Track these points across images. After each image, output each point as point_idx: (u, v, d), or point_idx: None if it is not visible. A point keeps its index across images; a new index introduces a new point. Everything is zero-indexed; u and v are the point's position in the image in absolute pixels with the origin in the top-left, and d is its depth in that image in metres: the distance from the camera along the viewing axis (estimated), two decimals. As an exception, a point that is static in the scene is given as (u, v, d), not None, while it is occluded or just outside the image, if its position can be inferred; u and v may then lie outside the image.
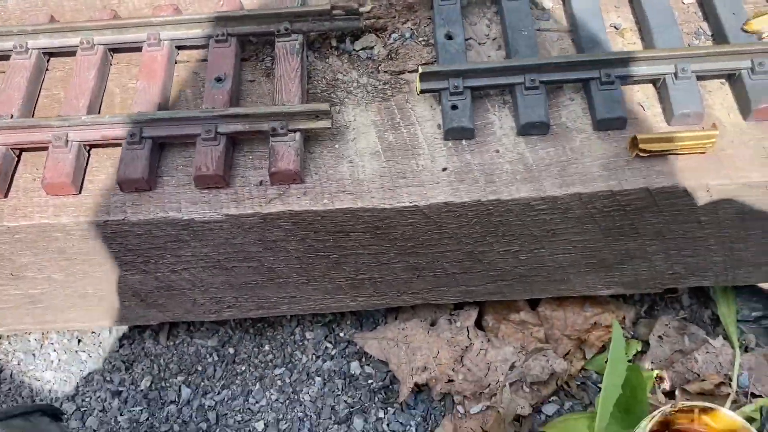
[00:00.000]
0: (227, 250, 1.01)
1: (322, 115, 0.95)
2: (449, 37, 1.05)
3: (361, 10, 1.09)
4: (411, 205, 0.94)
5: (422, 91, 0.99)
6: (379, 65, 1.07)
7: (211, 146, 0.94)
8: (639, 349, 1.20)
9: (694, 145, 0.91)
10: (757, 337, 1.21)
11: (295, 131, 0.95)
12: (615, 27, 1.07)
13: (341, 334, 1.29)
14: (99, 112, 1.04)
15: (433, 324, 1.24)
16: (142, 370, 1.28)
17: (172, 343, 1.31)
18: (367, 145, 0.99)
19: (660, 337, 1.21)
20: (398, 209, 0.94)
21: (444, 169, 0.96)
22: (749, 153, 0.93)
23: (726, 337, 1.19)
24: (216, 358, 1.28)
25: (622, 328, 1.24)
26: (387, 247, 1.02)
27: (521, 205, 0.94)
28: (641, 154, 0.92)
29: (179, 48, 1.09)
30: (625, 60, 0.96)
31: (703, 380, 1.12)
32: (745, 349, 1.19)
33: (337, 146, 0.99)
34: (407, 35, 1.09)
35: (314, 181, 0.96)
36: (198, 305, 1.16)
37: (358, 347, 1.26)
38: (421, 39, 1.09)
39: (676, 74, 0.96)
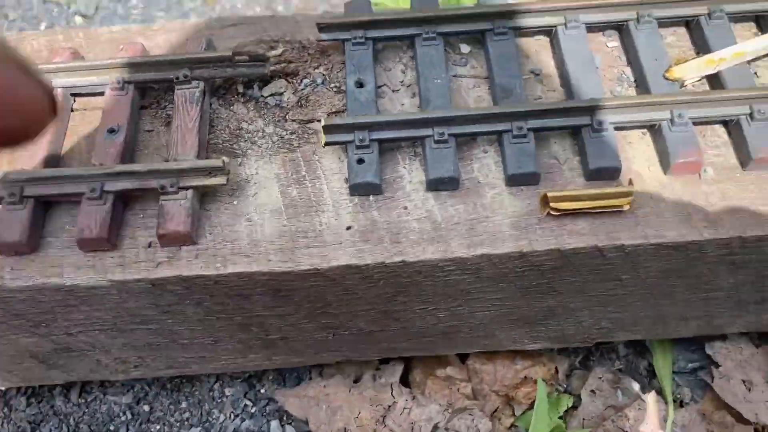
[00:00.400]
0: (121, 314, 0.95)
1: (216, 172, 0.89)
2: (360, 84, 0.99)
3: (270, 54, 1.03)
4: (311, 268, 0.87)
5: (327, 144, 0.94)
6: (287, 113, 1.01)
7: (97, 206, 0.88)
8: (570, 404, 1.15)
9: (609, 204, 0.86)
10: (693, 390, 1.16)
11: (187, 189, 0.89)
12: (534, 73, 1.02)
13: (262, 391, 1.22)
14: (-15, 166, 0.97)
15: (356, 381, 1.18)
16: (50, 431, 1.20)
17: (83, 401, 1.23)
18: (268, 201, 0.93)
19: (593, 391, 1.15)
20: (297, 272, 0.88)
21: (348, 228, 0.90)
22: (668, 210, 0.88)
23: (660, 391, 1.14)
24: (129, 417, 1.21)
25: (555, 381, 1.18)
26: (293, 309, 0.96)
27: (429, 267, 0.88)
28: (552, 213, 0.86)
29: (75, 95, 1.02)
30: (539, 112, 0.90)
31: (633, 440, 1.07)
32: (680, 404, 1.14)
33: (236, 202, 0.93)
34: (319, 81, 1.03)
35: (208, 242, 0.89)
36: (102, 366, 1.09)
37: (279, 405, 1.19)
38: (333, 85, 1.03)
39: (592, 126, 0.91)
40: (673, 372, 1.17)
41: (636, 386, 1.16)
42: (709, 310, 1.03)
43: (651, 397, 1.12)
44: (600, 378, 1.16)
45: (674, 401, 1.13)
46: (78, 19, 1.79)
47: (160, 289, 0.89)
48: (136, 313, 0.94)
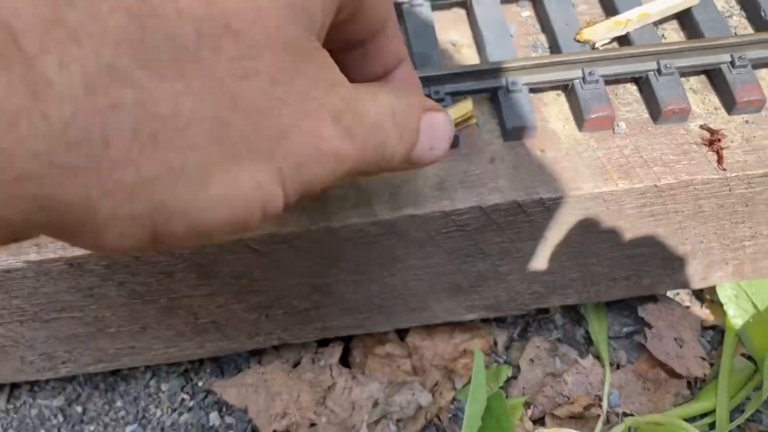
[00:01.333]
0: (41, 301, 0.92)
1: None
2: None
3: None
4: (234, 238, 0.86)
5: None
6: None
7: (8, 187, 0.85)
8: (510, 374, 1.15)
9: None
10: (629, 353, 1.18)
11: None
12: (453, 43, 1.03)
13: (200, 384, 1.19)
14: None
15: (295, 365, 1.16)
16: (-24, 440, 1.16)
17: (12, 407, 1.18)
18: (189, 177, 0.91)
19: (531, 360, 1.16)
20: (218, 244, 0.86)
21: (271, 198, 0.89)
22: (583, 164, 0.90)
23: (597, 356, 1.16)
24: (61, 419, 1.17)
25: (494, 352, 1.19)
26: (220, 288, 0.94)
27: (354, 231, 0.88)
28: (472, 171, 0.87)
29: None
30: (453, 75, 0.92)
31: (572, 403, 1.08)
32: (617, 367, 1.16)
33: (156, 180, 0.91)
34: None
35: (127, 219, 0.87)
36: (28, 363, 1.05)
37: (217, 396, 1.16)
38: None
39: (507, 88, 0.92)
40: (609, 337, 1.19)
41: (574, 353, 1.17)
42: (636, 269, 1.05)
43: (588, 362, 1.14)
44: (538, 347, 1.17)
45: (611, 364, 1.15)
46: None
47: (78, 269, 0.86)
48: (57, 298, 0.91)
